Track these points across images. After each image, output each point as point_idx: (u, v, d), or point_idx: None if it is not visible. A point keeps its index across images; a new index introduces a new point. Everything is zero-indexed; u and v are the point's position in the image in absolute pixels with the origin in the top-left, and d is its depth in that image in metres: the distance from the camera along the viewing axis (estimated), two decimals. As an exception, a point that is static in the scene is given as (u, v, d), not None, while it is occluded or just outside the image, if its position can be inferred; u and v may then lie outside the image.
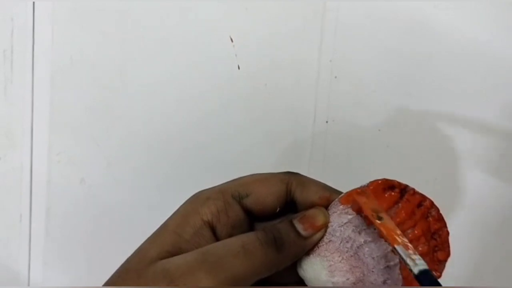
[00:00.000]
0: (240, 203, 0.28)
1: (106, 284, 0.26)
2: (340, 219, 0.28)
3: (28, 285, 0.41)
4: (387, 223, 0.26)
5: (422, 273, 0.24)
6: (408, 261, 0.24)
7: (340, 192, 0.29)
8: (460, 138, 0.37)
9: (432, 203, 0.28)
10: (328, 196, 0.29)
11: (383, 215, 0.26)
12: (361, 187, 0.28)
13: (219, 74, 0.38)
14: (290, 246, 0.26)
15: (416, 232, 0.28)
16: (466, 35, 0.37)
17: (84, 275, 0.28)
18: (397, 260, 0.27)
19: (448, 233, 0.28)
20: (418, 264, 0.24)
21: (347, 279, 0.27)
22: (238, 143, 0.39)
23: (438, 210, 0.29)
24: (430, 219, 0.28)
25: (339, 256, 0.27)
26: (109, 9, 0.38)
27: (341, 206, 0.28)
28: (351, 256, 0.27)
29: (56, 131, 0.40)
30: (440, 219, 0.28)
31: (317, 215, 0.28)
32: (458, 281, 0.38)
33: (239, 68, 0.38)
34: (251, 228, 0.29)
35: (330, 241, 0.28)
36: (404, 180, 0.29)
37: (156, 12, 0.38)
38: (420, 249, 0.28)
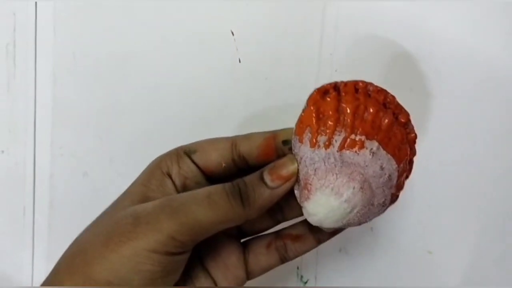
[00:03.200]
0: (190, 158, 0.29)
1: (84, 229, 0.29)
2: (308, 147, 0.28)
3: (32, 278, 0.42)
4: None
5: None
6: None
7: (283, 129, 0.29)
8: (461, 134, 0.37)
9: (363, 82, 0.28)
10: (271, 135, 0.29)
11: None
12: (302, 110, 0.29)
13: (220, 67, 0.38)
14: (256, 199, 0.27)
15: (371, 110, 0.28)
16: (468, 30, 0.36)
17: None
18: (375, 144, 0.27)
19: (394, 97, 0.29)
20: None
21: (353, 188, 0.27)
22: (239, 136, 0.39)
23: (372, 84, 0.29)
24: (372, 94, 0.28)
25: (333, 175, 0.27)
26: (110, 5, 0.38)
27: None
28: (341, 166, 0.27)
29: (59, 125, 0.40)
30: (380, 90, 0.28)
31: (286, 163, 0.28)
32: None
33: (240, 61, 0.38)
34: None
35: (315, 169, 0.27)
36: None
37: (158, 7, 0.38)
38: (386, 120, 0.28)
